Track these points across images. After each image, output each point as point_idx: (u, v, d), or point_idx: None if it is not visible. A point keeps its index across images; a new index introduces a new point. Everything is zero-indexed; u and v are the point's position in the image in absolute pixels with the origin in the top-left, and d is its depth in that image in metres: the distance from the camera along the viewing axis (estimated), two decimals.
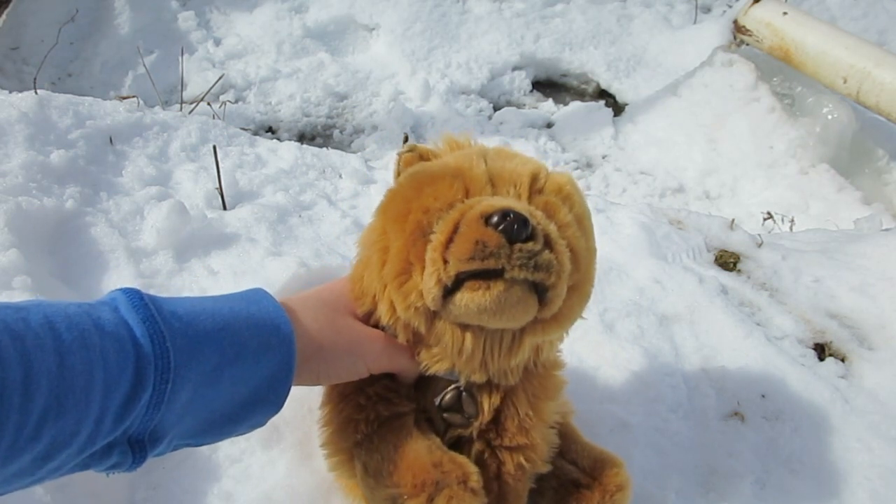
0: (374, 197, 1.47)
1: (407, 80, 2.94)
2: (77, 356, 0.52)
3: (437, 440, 0.72)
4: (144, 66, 2.51)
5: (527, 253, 0.62)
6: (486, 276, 0.62)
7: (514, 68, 3.08)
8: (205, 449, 0.91)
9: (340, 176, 1.54)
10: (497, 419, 0.75)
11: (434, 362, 0.71)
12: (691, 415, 1.08)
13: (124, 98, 1.57)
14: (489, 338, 0.68)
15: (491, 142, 1.45)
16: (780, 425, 1.07)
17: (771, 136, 2.56)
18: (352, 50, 3.10)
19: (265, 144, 1.60)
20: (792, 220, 1.82)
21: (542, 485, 0.83)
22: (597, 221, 0.87)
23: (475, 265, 0.62)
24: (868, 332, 1.26)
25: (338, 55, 3.05)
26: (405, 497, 0.67)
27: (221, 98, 2.64)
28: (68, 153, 1.29)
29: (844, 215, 2.18)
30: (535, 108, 2.97)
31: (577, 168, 2.68)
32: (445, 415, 0.75)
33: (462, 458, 0.69)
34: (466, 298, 0.63)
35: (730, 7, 3.34)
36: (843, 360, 1.21)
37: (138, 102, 1.55)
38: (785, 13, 2.57)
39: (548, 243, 0.64)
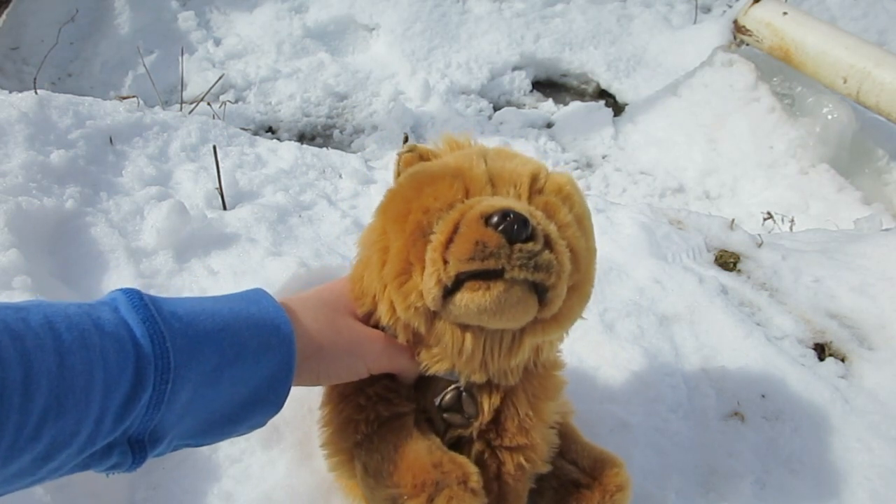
0: (374, 197, 1.47)
1: (407, 80, 2.94)
2: (77, 356, 0.52)
3: (437, 440, 0.72)
4: (144, 66, 2.51)
5: (527, 253, 0.62)
6: (486, 276, 0.62)
7: (514, 68, 3.08)
8: (205, 449, 0.91)
9: (340, 176, 1.54)
10: (497, 419, 0.75)
11: (434, 362, 0.71)
12: (691, 415, 1.08)
13: (124, 98, 1.57)
14: (489, 338, 0.68)
15: (491, 142, 1.45)
16: (780, 425, 1.07)
17: (771, 136, 2.56)
18: (352, 50, 3.10)
19: (265, 144, 1.60)
20: (792, 220, 1.82)
21: (542, 485, 0.83)
22: (597, 221, 0.86)
23: (475, 265, 0.62)
24: (868, 332, 1.26)
25: (338, 55, 3.05)
26: (405, 497, 0.67)
27: (221, 98, 2.64)
28: (68, 153, 1.29)
29: (844, 215, 2.18)
30: (535, 108, 2.97)
31: (577, 168, 2.68)
32: (445, 415, 0.75)
33: (462, 459, 0.69)
34: (466, 299, 0.63)
35: (730, 7, 3.34)
36: (843, 360, 1.21)
37: (138, 102, 1.55)
38: (785, 13, 2.57)
39: (548, 243, 0.64)
